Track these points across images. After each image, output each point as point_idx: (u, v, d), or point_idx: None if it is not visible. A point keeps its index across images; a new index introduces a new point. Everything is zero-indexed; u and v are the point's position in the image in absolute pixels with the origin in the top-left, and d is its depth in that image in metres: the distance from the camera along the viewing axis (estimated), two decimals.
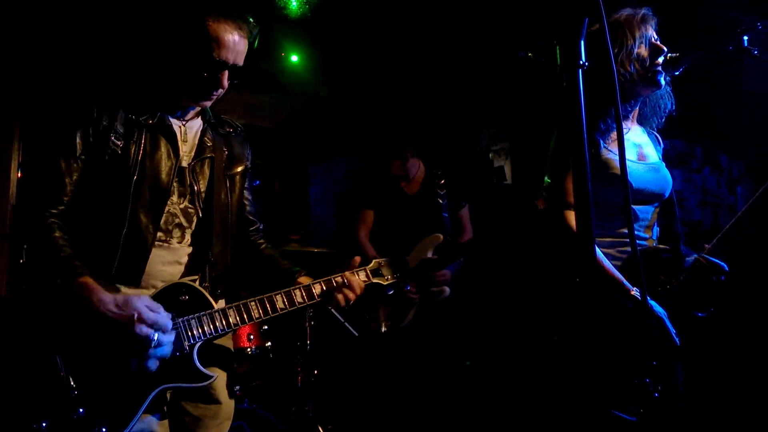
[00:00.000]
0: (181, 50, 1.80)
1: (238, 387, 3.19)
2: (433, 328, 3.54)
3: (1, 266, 3.62)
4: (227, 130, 2.04)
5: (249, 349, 3.24)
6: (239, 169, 2.03)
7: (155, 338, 1.62)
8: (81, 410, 1.59)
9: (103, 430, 1.59)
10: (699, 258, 2.07)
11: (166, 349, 1.66)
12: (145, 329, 1.60)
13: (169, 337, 1.67)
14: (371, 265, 1.99)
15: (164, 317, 1.66)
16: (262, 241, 2.12)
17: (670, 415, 2.03)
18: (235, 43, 1.78)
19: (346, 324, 3.31)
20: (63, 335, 1.63)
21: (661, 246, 2.19)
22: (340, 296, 1.89)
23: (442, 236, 3.55)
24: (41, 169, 1.75)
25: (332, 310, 1.96)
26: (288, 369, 3.44)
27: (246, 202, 2.08)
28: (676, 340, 2.00)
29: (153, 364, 1.64)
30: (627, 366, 1.95)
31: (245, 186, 2.07)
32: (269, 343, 3.30)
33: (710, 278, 2.05)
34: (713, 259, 2.06)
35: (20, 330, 1.67)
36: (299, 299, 1.86)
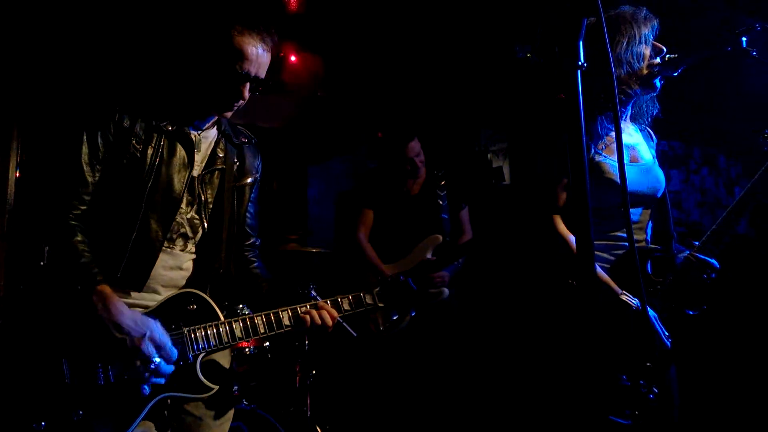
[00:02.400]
0: (205, 60, 1.81)
1: (236, 387, 3.19)
2: (431, 329, 3.54)
3: None
4: (242, 140, 2.04)
5: (247, 350, 3.24)
6: (248, 180, 2.03)
7: (156, 361, 1.63)
8: (81, 412, 1.59)
9: None
10: (689, 256, 2.08)
11: (162, 381, 1.67)
12: (151, 348, 1.63)
13: (170, 369, 1.68)
14: (377, 288, 1.98)
15: (172, 348, 1.68)
16: (253, 258, 2.09)
17: (666, 418, 2.03)
18: (258, 55, 1.80)
19: (345, 324, 3.30)
20: (70, 338, 1.64)
21: (651, 246, 2.19)
22: (322, 323, 1.86)
23: (441, 237, 3.57)
24: (64, 168, 1.76)
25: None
26: (286, 369, 3.44)
27: (247, 215, 2.06)
28: (667, 342, 1.99)
29: (146, 390, 1.65)
30: (620, 368, 1.95)
31: (251, 198, 2.06)
32: (267, 344, 3.30)
33: (701, 276, 2.06)
34: (703, 257, 2.06)
35: (24, 330, 1.66)
36: (286, 322, 1.85)
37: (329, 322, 1.86)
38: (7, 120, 3.98)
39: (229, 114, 1.91)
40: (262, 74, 1.85)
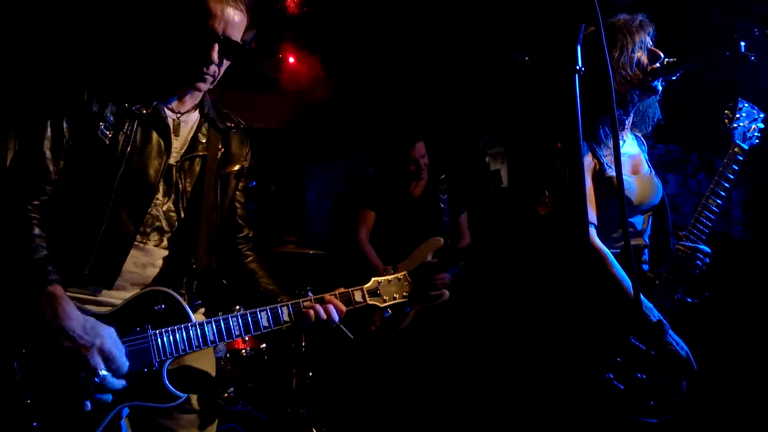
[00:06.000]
0: (173, 25, 1.67)
1: (232, 388, 3.19)
2: (430, 331, 3.54)
3: None
4: (227, 125, 1.88)
5: (244, 351, 3.23)
6: (235, 168, 1.88)
7: (102, 374, 1.49)
8: (35, 424, 1.48)
9: None
10: (678, 246, 2.10)
11: (107, 397, 1.53)
12: (98, 362, 1.50)
13: (116, 384, 1.53)
14: (369, 284, 1.86)
15: (123, 360, 1.54)
16: (248, 252, 1.96)
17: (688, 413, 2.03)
18: (226, 12, 1.64)
19: (342, 326, 3.29)
20: (25, 342, 1.52)
21: (644, 244, 2.20)
22: (327, 318, 1.75)
23: (442, 240, 3.58)
24: (25, 155, 1.62)
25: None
26: (283, 371, 3.43)
27: (237, 205, 1.93)
28: (694, 364, 1.96)
29: (87, 405, 1.51)
30: (639, 368, 1.95)
31: (239, 187, 1.92)
32: (264, 345, 3.30)
33: (694, 263, 2.07)
34: (692, 244, 2.08)
35: None
36: (286, 318, 1.73)
37: (335, 317, 1.75)
38: (5, 117, 3.97)
39: (202, 85, 1.72)
40: (234, 35, 1.68)
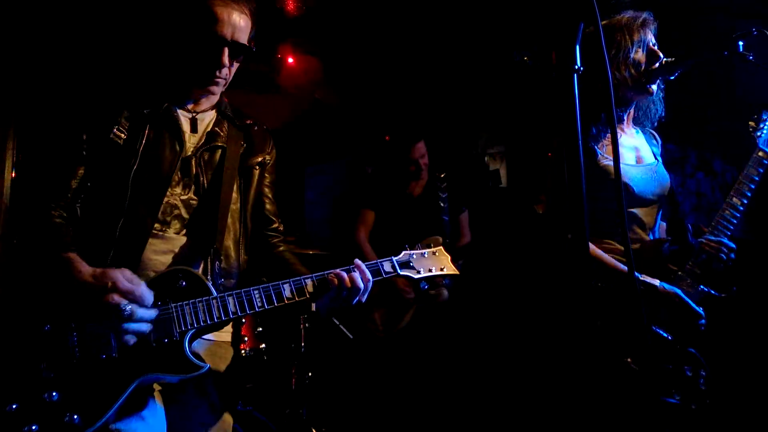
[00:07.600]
0: (182, 33, 1.77)
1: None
2: (429, 330, 3.55)
3: None
4: (246, 122, 1.98)
5: (243, 351, 3.23)
6: (257, 160, 1.96)
7: (128, 309, 1.54)
8: (55, 394, 1.51)
9: (75, 417, 1.49)
10: (703, 240, 2.11)
11: (144, 326, 1.58)
12: (116, 298, 1.54)
13: (149, 313, 1.59)
14: (399, 256, 1.85)
15: (142, 290, 1.58)
16: (281, 243, 2.01)
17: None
18: (232, 18, 1.75)
19: (341, 326, 3.30)
20: (45, 316, 1.57)
21: (662, 238, 2.20)
22: (351, 285, 1.72)
23: (441, 239, 3.57)
24: (48, 166, 1.74)
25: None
26: (282, 371, 3.43)
27: (266, 200, 2.01)
28: (699, 311, 2.01)
29: (130, 339, 1.56)
30: (660, 354, 1.96)
31: (265, 182, 2.00)
32: (263, 345, 3.30)
33: (718, 256, 2.09)
34: (715, 238, 2.10)
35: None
36: (309, 288, 1.74)
37: (360, 284, 1.73)
38: (3, 120, 3.97)
39: (215, 89, 1.84)
40: (242, 39, 1.78)
